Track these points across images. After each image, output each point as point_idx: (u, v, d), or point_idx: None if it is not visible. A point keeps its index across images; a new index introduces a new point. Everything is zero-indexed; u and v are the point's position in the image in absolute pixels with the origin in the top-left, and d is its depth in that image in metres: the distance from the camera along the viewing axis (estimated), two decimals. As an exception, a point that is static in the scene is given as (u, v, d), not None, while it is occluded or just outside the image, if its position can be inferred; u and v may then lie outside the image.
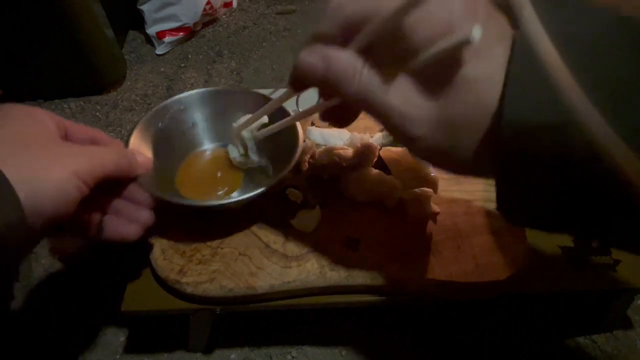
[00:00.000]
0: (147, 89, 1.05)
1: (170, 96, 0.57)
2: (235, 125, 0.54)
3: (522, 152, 0.26)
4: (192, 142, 0.59)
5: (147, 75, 1.09)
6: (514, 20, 0.28)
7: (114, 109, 1.00)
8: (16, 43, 0.91)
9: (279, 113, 0.57)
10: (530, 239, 0.50)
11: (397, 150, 0.54)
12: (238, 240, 0.51)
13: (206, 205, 0.49)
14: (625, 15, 0.25)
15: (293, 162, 0.51)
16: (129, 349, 0.61)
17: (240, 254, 0.50)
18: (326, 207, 0.54)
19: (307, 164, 0.54)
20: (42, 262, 0.72)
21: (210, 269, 0.49)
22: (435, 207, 0.52)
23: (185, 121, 0.58)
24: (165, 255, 0.50)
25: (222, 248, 0.51)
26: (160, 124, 0.55)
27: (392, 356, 0.60)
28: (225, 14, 1.29)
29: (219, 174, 0.57)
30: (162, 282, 0.50)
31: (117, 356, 0.61)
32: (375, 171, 0.53)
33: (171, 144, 0.57)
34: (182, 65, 1.12)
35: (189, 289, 0.47)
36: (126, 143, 0.51)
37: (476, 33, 0.25)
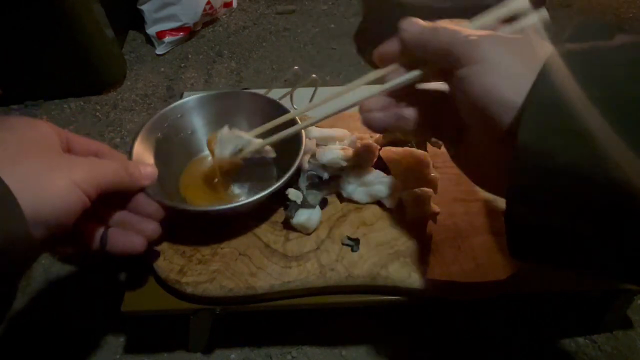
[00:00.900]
0: (147, 89, 1.05)
1: (170, 96, 0.57)
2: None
3: (534, 174, 0.26)
4: (193, 148, 0.59)
5: (147, 75, 1.09)
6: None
7: (114, 109, 1.00)
8: (16, 43, 0.91)
9: (278, 112, 0.57)
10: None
11: (397, 150, 0.54)
12: (238, 240, 0.51)
13: (217, 210, 0.48)
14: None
15: (297, 162, 0.51)
16: (129, 349, 0.61)
17: (240, 254, 0.50)
18: (326, 207, 0.54)
19: (307, 163, 0.54)
20: (42, 262, 0.72)
21: (210, 269, 0.49)
22: (435, 207, 0.52)
23: (184, 128, 0.58)
24: (165, 255, 0.50)
25: (222, 248, 0.51)
26: (159, 134, 0.56)
27: (392, 356, 0.60)
28: (225, 14, 1.29)
29: (219, 180, 0.57)
30: (162, 282, 0.50)
31: (117, 356, 0.61)
32: (375, 171, 0.53)
33: (172, 152, 0.57)
34: (182, 65, 1.12)
35: (189, 289, 0.47)
36: (129, 154, 0.51)
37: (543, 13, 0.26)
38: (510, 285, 0.48)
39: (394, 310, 0.63)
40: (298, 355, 0.60)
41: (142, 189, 0.46)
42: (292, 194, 0.50)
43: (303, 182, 0.52)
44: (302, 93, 0.69)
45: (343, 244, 0.50)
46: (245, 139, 0.49)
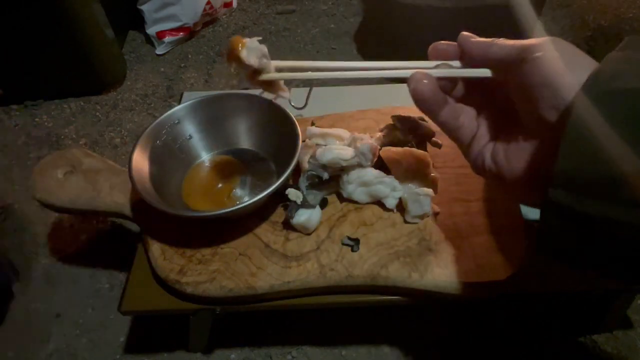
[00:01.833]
0: (147, 89, 1.05)
1: (170, 96, 0.57)
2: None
3: (583, 159, 0.27)
4: (192, 153, 0.59)
5: (147, 75, 1.09)
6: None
7: (114, 109, 1.00)
8: (16, 43, 0.91)
9: (277, 113, 0.57)
10: (531, 239, 0.50)
11: (397, 150, 0.54)
12: (238, 240, 0.51)
13: (221, 214, 0.48)
14: None
15: (294, 162, 0.51)
16: (129, 349, 0.61)
17: (240, 254, 0.50)
18: (326, 207, 0.54)
19: (307, 163, 0.54)
20: (42, 262, 0.72)
21: (210, 269, 0.49)
22: (435, 207, 0.52)
23: (182, 134, 0.58)
24: (165, 255, 0.50)
25: (222, 248, 0.51)
26: (158, 141, 0.56)
27: (392, 356, 0.60)
28: (225, 14, 1.29)
29: (220, 184, 0.57)
30: (162, 282, 0.50)
31: (117, 356, 0.61)
32: (375, 171, 0.53)
33: (172, 158, 0.57)
34: (182, 65, 1.12)
35: (189, 289, 0.47)
36: (128, 164, 0.51)
37: None
38: (510, 285, 0.48)
39: (394, 310, 0.63)
40: (298, 355, 0.60)
41: None
42: (292, 194, 0.50)
43: (303, 182, 0.52)
44: (299, 92, 0.69)
45: (343, 244, 0.50)
46: (268, 61, 0.44)
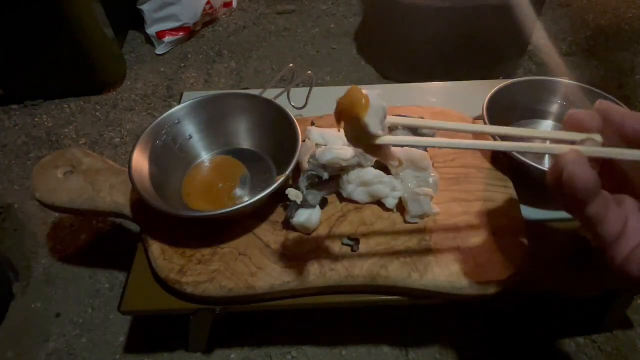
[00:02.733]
0: (147, 89, 1.05)
1: (170, 96, 0.57)
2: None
3: None
4: (192, 153, 0.59)
5: (147, 75, 1.09)
6: None
7: (114, 109, 1.00)
8: (17, 43, 0.91)
9: (277, 113, 0.57)
10: (531, 239, 0.50)
11: (397, 150, 0.54)
12: (238, 240, 0.51)
13: (221, 214, 0.48)
14: None
15: (294, 162, 0.51)
16: (129, 349, 0.61)
17: (240, 254, 0.50)
18: (326, 207, 0.54)
19: (307, 163, 0.54)
20: (42, 262, 0.72)
21: (210, 269, 0.49)
22: (435, 207, 0.52)
23: (182, 134, 0.59)
24: (165, 255, 0.50)
25: (222, 248, 0.51)
26: (158, 142, 0.56)
27: (392, 356, 0.60)
28: (225, 14, 1.29)
29: (220, 185, 0.57)
30: (162, 282, 0.50)
31: (117, 356, 0.61)
32: (375, 171, 0.53)
33: (172, 158, 0.57)
34: (182, 65, 1.12)
35: (189, 289, 0.47)
36: (128, 164, 0.51)
37: None
38: (510, 285, 0.48)
39: (394, 310, 0.63)
40: (298, 355, 0.60)
41: None
42: (292, 194, 0.50)
43: (303, 182, 0.52)
44: (299, 92, 0.69)
45: (343, 244, 0.50)
46: (384, 133, 0.35)
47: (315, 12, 1.29)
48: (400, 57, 1.04)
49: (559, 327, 0.62)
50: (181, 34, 1.16)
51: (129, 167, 0.51)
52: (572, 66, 1.08)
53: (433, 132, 0.56)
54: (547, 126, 0.64)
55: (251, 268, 0.49)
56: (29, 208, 0.80)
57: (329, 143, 0.55)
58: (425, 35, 0.96)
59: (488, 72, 1.00)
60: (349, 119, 0.34)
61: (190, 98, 0.60)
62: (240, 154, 0.60)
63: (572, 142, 0.32)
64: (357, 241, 0.50)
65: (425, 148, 0.56)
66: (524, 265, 0.49)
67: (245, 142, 0.61)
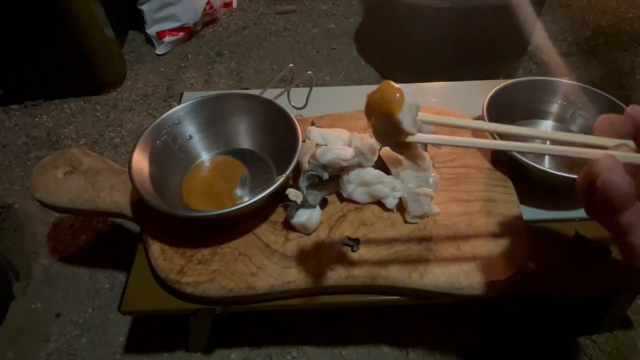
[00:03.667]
0: (147, 89, 1.05)
1: (170, 96, 0.57)
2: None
3: None
4: (192, 153, 0.59)
5: (147, 75, 1.09)
6: None
7: (114, 109, 1.00)
8: (16, 43, 0.91)
9: (277, 113, 0.57)
10: (531, 239, 0.50)
11: (397, 150, 0.54)
12: (238, 240, 0.51)
13: (221, 214, 0.48)
14: None
15: (294, 162, 0.51)
16: (129, 349, 0.61)
17: (240, 254, 0.50)
18: (326, 207, 0.54)
19: (307, 163, 0.54)
20: (42, 262, 0.72)
21: (210, 269, 0.49)
22: (435, 207, 0.52)
23: (182, 134, 0.59)
24: (165, 255, 0.50)
25: (222, 248, 0.51)
26: (158, 142, 0.56)
27: (392, 356, 0.60)
28: (225, 14, 1.29)
29: (220, 185, 0.57)
30: (162, 282, 0.50)
31: (117, 356, 0.61)
32: (375, 171, 0.53)
33: (172, 158, 0.57)
34: (182, 65, 1.12)
35: (189, 289, 0.47)
36: (128, 164, 0.51)
37: None
38: (510, 285, 0.48)
39: (394, 310, 0.63)
40: (298, 355, 0.60)
41: None
42: (292, 194, 0.50)
43: (303, 182, 0.52)
44: (299, 92, 0.69)
45: (343, 244, 0.50)
46: (416, 131, 0.34)
47: (315, 12, 1.29)
48: (400, 57, 1.04)
49: (559, 327, 0.62)
50: (181, 34, 1.16)
51: (129, 167, 0.51)
52: (572, 66, 1.08)
53: (433, 132, 0.56)
54: (547, 126, 0.64)
55: (251, 268, 0.49)
56: (29, 208, 0.80)
57: (329, 143, 0.55)
58: (425, 35, 0.96)
59: (488, 72, 1.00)
60: (382, 114, 0.32)
61: (190, 98, 0.60)
62: (240, 154, 0.60)
63: (602, 147, 0.31)
64: (357, 241, 0.50)
65: (425, 148, 0.56)
66: (524, 265, 0.49)
67: (245, 142, 0.61)
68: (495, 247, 0.49)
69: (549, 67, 1.08)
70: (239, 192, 0.56)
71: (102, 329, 0.64)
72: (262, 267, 0.49)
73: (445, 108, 0.66)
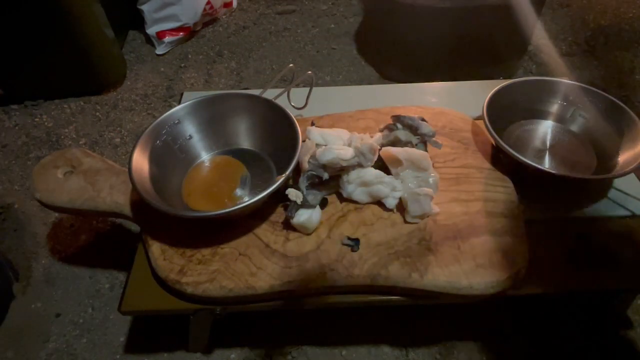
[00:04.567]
0: (147, 89, 1.05)
1: (170, 96, 0.57)
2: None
3: None
4: (192, 153, 0.59)
5: (147, 75, 1.09)
6: None
7: (114, 109, 1.00)
8: (16, 43, 0.91)
9: (277, 113, 0.57)
10: (531, 239, 0.50)
11: (397, 150, 0.54)
12: (238, 240, 0.51)
13: (221, 214, 0.48)
14: None
15: (294, 162, 0.51)
16: (129, 349, 0.61)
17: (240, 254, 0.50)
18: (326, 207, 0.54)
19: (307, 163, 0.54)
20: (42, 262, 0.72)
21: (210, 269, 0.49)
22: (435, 207, 0.52)
23: (182, 134, 0.59)
24: (165, 255, 0.50)
25: (222, 248, 0.51)
26: (158, 141, 0.56)
27: (392, 356, 0.60)
28: (225, 14, 1.29)
29: (220, 185, 0.57)
30: (162, 282, 0.50)
31: (117, 356, 0.61)
32: (375, 171, 0.53)
33: (172, 158, 0.57)
34: (182, 65, 1.12)
35: (189, 289, 0.47)
36: (128, 164, 0.51)
37: None
38: (511, 285, 0.48)
39: (394, 310, 0.63)
40: (298, 355, 0.60)
41: None
42: (292, 194, 0.50)
43: (303, 182, 0.52)
44: (299, 92, 0.69)
45: (343, 244, 0.50)
46: None
47: (315, 12, 1.29)
48: (400, 57, 1.04)
49: (560, 327, 0.62)
50: (181, 34, 1.16)
51: (129, 167, 0.51)
52: (572, 66, 1.08)
53: (433, 131, 0.56)
54: (547, 126, 0.64)
55: (251, 268, 0.49)
56: (29, 208, 0.80)
57: (329, 143, 0.55)
58: (426, 35, 0.96)
59: (488, 72, 1.01)
60: None
61: (190, 98, 0.60)
62: (240, 154, 0.60)
63: None
64: (357, 241, 0.50)
65: (425, 148, 0.56)
66: (524, 265, 0.49)
67: (245, 142, 0.61)
68: (495, 247, 0.49)
69: (549, 67, 1.08)
70: (239, 192, 0.56)
71: (102, 329, 0.63)
72: (262, 267, 0.49)
73: (445, 108, 0.66)
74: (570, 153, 0.61)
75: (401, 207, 0.53)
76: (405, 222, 0.52)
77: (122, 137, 0.93)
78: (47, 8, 0.87)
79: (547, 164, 0.59)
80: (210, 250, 0.50)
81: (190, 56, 1.15)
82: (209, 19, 1.24)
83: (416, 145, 0.56)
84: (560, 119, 0.64)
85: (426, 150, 0.56)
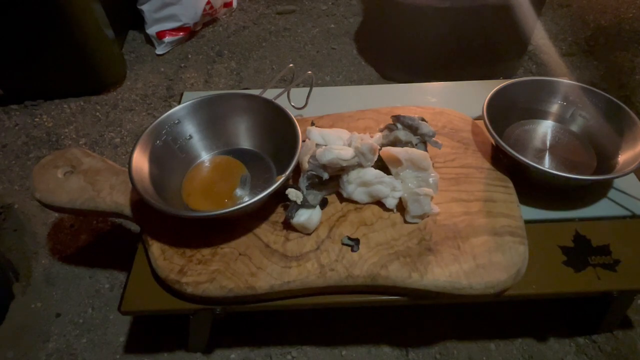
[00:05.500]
0: (147, 89, 1.05)
1: (170, 96, 0.57)
2: None
3: None
4: (192, 153, 0.59)
5: (147, 75, 1.09)
6: None
7: (114, 109, 1.00)
8: (16, 43, 0.91)
9: (277, 113, 0.57)
10: (530, 239, 0.50)
11: (397, 150, 0.54)
12: (238, 240, 0.51)
13: (221, 214, 0.48)
14: None
15: (294, 162, 0.51)
16: (129, 349, 0.61)
17: (240, 254, 0.50)
18: (326, 207, 0.54)
19: (307, 163, 0.54)
20: (42, 262, 0.72)
21: (210, 269, 0.49)
22: (435, 207, 0.52)
23: (182, 134, 0.59)
24: (165, 255, 0.50)
25: (222, 248, 0.51)
26: (158, 141, 0.56)
27: (392, 356, 0.60)
28: (225, 14, 1.29)
29: (220, 185, 0.57)
30: (162, 282, 0.50)
31: (117, 356, 0.61)
32: (375, 171, 0.53)
33: (172, 158, 0.57)
34: (182, 65, 1.12)
35: (189, 289, 0.47)
36: (128, 164, 0.51)
37: None
38: (511, 285, 0.48)
39: (394, 310, 0.63)
40: (298, 355, 0.60)
41: None
42: (292, 194, 0.50)
43: (303, 182, 0.52)
44: (299, 92, 0.69)
45: (343, 244, 0.50)
46: None
47: (315, 12, 1.29)
48: (400, 57, 1.04)
49: (559, 327, 0.62)
50: (181, 34, 1.16)
51: (129, 167, 0.51)
52: (572, 66, 1.08)
53: (433, 131, 0.56)
54: (547, 126, 0.64)
55: (251, 268, 0.49)
56: (29, 208, 0.80)
57: (329, 143, 0.55)
58: (425, 35, 0.96)
59: (488, 72, 1.00)
60: None
61: (190, 98, 0.60)
62: (240, 154, 0.60)
63: None
64: (357, 241, 0.50)
65: (425, 148, 0.56)
66: (524, 265, 0.49)
67: (245, 142, 0.61)
68: (495, 247, 0.49)
69: (549, 67, 1.08)
70: (239, 192, 0.56)
71: (102, 329, 0.64)
72: (262, 267, 0.49)
73: (446, 108, 0.66)
74: (570, 153, 0.60)
75: (401, 207, 0.53)
76: (405, 222, 0.52)
77: (122, 137, 0.93)
78: (47, 8, 0.87)
79: (547, 164, 0.59)
80: (210, 250, 0.50)
81: (190, 56, 1.15)
82: (209, 19, 1.24)
83: (416, 145, 0.56)
84: (560, 119, 0.64)
85: (426, 150, 0.56)
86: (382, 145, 0.56)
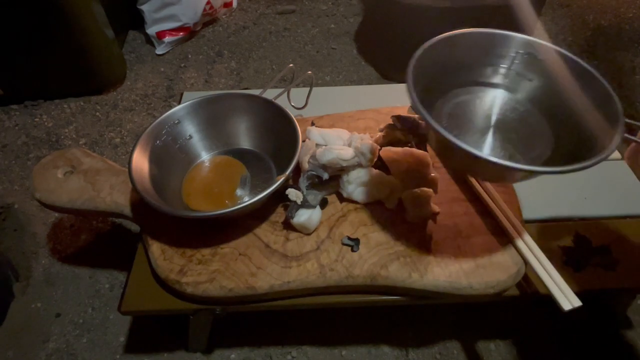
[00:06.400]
0: (147, 89, 1.05)
1: (170, 96, 0.57)
2: None
3: None
4: (192, 153, 0.59)
5: (147, 75, 1.09)
6: None
7: (114, 109, 1.00)
8: (16, 43, 0.91)
9: (277, 113, 0.57)
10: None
11: (397, 150, 0.54)
12: (238, 240, 0.51)
13: (221, 214, 0.48)
14: None
15: (294, 162, 0.51)
16: (129, 349, 0.61)
17: (240, 254, 0.50)
18: (326, 207, 0.54)
19: (307, 163, 0.54)
20: (42, 262, 0.72)
21: (210, 269, 0.49)
22: (435, 207, 0.52)
23: (182, 134, 0.59)
24: (165, 255, 0.50)
25: (222, 248, 0.51)
26: (158, 141, 0.56)
27: (392, 356, 0.60)
28: (225, 14, 1.29)
29: (220, 184, 0.57)
30: (162, 282, 0.50)
31: (117, 356, 0.61)
32: (375, 171, 0.53)
33: (172, 158, 0.57)
34: (182, 65, 1.12)
35: (189, 289, 0.47)
36: (128, 164, 0.51)
37: None
38: (511, 285, 0.48)
39: (394, 310, 0.63)
40: (298, 355, 0.60)
41: None
42: (292, 194, 0.50)
43: (303, 182, 0.52)
44: (299, 92, 0.69)
45: (343, 244, 0.50)
46: None
47: (315, 12, 1.29)
48: (400, 57, 1.04)
49: (559, 327, 0.62)
50: (181, 34, 1.16)
51: (129, 167, 0.51)
52: (572, 66, 1.07)
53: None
54: (493, 96, 0.50)
55: (251, 268, 0.49)
56: (29, 208, 0.80)
57: (329, 143, 0.55)
58: (425, 35, 0.95)
59: (488, 72, 1.00)
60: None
61: (190, 98, 0.60)
62: (240, 154, 0.60)
63: None
64: (357, 241, 0.50)
65: (425, 148, 0.56)
66: (523, 265, 0.49)
67: (245, 142, 0.61)
68: (495, 247, 0.49)
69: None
70: (239, 192, 0.56)
71: (102, 329, 0.64)
72: (262, 267, 0.49)
73: (445, 108, 0.66)
74: (522, 133, 0.46)
75: (401, 207, 0.53)
76: (405, 222, 0.52)
77: (122, 137, 0.93)
78: (47, 8, 0.87)
79: (487, 148, 0.46)
80: (210, 250, 0.50)
81: (190, 56, 1.15)
82: (209, 19, 1.24)
83: (416, 145, 0.56)
84: (510, 88, 0.50)
85: (426, 150, 0.56)
86: (382, 145, 0.56)
